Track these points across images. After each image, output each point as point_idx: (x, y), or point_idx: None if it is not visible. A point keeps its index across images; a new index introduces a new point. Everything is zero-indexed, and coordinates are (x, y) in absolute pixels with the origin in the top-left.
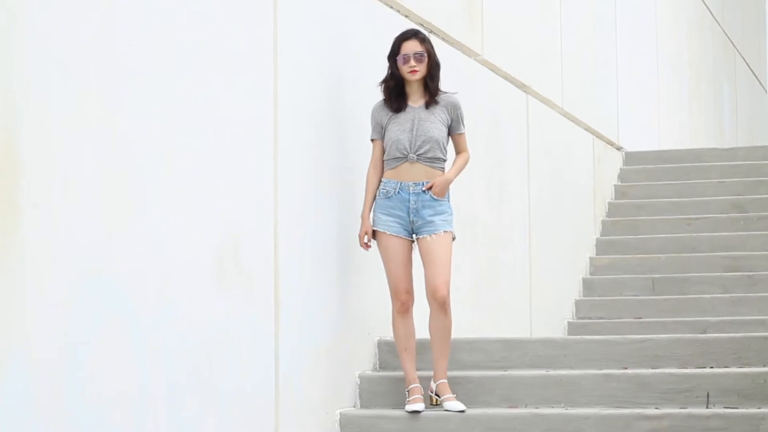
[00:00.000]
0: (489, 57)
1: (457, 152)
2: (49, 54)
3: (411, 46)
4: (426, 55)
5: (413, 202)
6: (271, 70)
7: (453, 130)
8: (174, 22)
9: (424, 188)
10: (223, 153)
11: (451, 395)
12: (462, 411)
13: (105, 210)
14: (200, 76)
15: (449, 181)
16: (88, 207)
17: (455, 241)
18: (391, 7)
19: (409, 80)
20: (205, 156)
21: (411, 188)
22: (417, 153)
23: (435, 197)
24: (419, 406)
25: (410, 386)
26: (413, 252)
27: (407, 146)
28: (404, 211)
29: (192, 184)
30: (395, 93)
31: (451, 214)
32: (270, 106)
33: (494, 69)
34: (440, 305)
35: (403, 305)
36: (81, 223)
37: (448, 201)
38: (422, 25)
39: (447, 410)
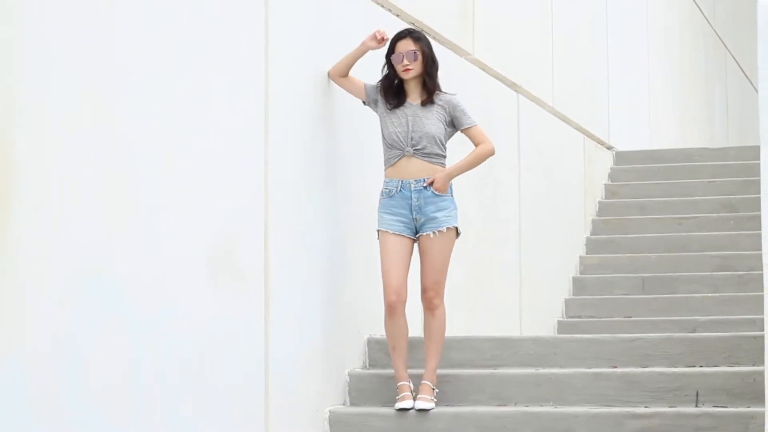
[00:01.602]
0: (480, 56)
1: (476, 146)
2: (49, 54)
3: (404, 45)
4: (420, 53)
5: (415, 200)
6: (263, 70)
7: (460, 127)
8: (172, 23)
9: (424, 184)
10: (218, 153)
11: (425, 396)
12: (424, 410)
13: (102, 210)
14: (198, 77)
15: (450, 176)
16: (85, 207)
17: (460, 236)
18: (383, 6)
19: (404, 79)
20: (201, 156)
21: (412, 186)
22: (414, 148)
23: (437, 193)
24: (407, 403)
25: (399, 383)
26: (414, 253)
27: (403, 140)
28: (407, 209)
29: (189, 185)
30: (392, 92)
31: (455, 209)
32: (261, 106)
33: (485, 68)
34: (427, 306)
35: (389, 307)
36: (78, 223)
37: (452, 195)
38: (414, 24)
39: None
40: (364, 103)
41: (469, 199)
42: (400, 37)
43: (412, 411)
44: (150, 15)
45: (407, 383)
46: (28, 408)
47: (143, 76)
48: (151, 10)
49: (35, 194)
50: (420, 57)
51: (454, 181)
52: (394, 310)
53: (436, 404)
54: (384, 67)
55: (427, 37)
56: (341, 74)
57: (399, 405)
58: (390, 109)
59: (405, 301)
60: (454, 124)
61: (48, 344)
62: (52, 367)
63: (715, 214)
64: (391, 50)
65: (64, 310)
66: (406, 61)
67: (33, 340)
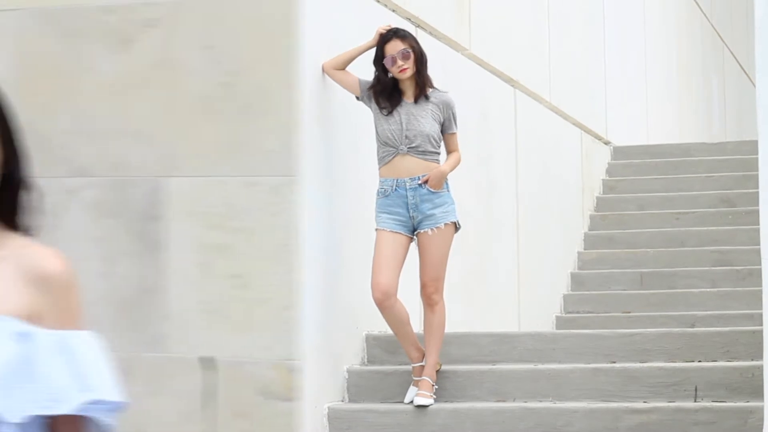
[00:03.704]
0: (477, 51)
1: (449, 152)
2: None
3: (394, 46)
4: (411, 50)
5: (411, 197)
6: None
7: (445, 129)
8: None
9: (420, 182)
10: None
11: (424, 392)
12: (423, 405)
13: None
14: None
15: (444, 173)
16: None
17: (460, 230)
18: (378, 2)
19: (401, 79)
20: None
21: (408, 184)
22: (408, 146)
23: (432, 190)
24: (409, 394)
25: (411, 366)
26: (410, 252)
27: (397, 138)
28: (404, 208)
29: None
30: (386, 96)
31: (452, 204)
32: None
33: (482, 63)
34: (427, 302)
35: (377, 304)
36: None
37: (448, 191)
38: (410, 19)
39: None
40: (357, 98)
41: (466, 195)
42: (386, 40)
43: (411, 407)
44: None
45: (419, 364)
46: None
47: None
48: None
49: None
50: (412, 54)
51: (451, 176)
52: (381, 305)
53: (435, 400)
54: (375, 73)
55: (422, 32)
56: (339, 67)
57: (406, 397)
58: (385, 115)
59: (394, 294)
60: (444, 124)
61: None
62: None
63: (713, 209)
64: (380, 55)
65: None
66: (400, 62)
67: None
